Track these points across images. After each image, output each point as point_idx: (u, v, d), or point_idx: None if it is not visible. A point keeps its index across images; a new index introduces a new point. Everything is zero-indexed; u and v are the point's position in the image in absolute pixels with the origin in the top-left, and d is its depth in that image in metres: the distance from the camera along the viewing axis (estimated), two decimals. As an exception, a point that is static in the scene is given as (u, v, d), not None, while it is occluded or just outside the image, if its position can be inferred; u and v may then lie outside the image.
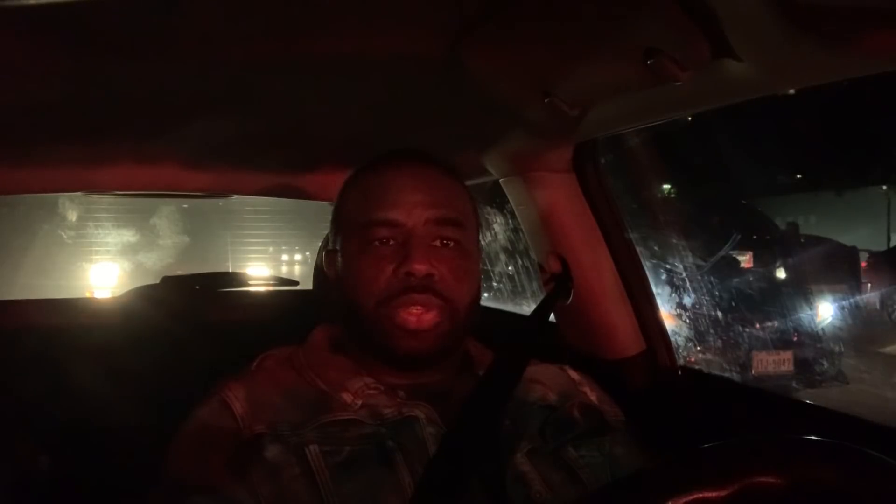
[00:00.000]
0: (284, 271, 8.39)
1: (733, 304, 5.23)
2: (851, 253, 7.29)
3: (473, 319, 1.01)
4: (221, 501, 0.85)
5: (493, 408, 0.95)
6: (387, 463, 0.89)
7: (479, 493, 0.89)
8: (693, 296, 5.10)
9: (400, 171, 1.01)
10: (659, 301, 1.39)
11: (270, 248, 8.66)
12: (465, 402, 0.94)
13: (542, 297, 1.36)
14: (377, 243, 0.97)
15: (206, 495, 0.86)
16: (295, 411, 0.93)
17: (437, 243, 0.97)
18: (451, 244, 0.98)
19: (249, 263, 7.95)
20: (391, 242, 0.96)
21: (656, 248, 5.09)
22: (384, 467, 0.88)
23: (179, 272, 1.86)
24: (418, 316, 0.94)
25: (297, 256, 8.80)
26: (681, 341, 4.70)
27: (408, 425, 0.93)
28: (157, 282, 1.67)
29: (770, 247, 6.51)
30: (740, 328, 5.15)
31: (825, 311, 5.69)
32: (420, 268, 0.94)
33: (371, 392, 0.96)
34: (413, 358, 0.97)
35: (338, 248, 1.04)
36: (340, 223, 1.04)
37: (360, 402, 0.95)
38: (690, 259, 5.34)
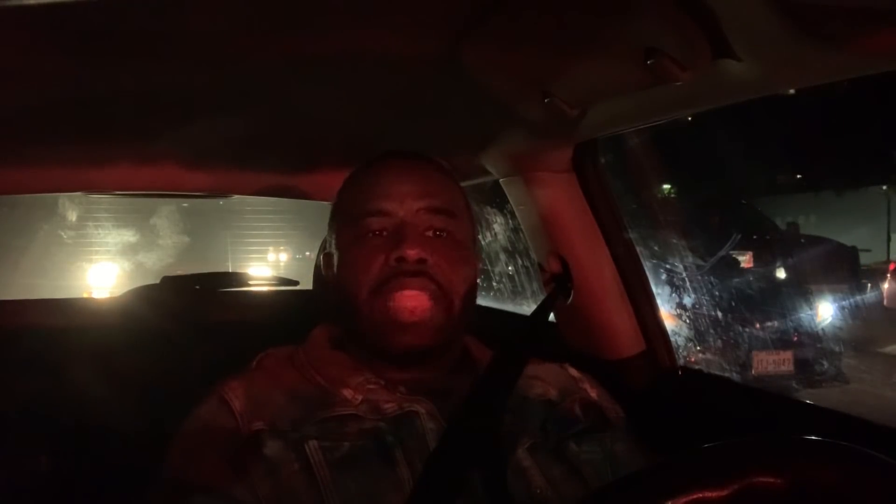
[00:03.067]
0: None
1: (733, 304, 5.23)
2: (851, 253, 7.28)
3: (470, 313, 1.01)
4: (221, 499, 0.85)
5: (494, 403, 0.95)
6: (387, 458, 0.89)
7: (479, 488, 0.89)
8: (693, 296, 5.10)
9: (391, 166, 1.03)
10: (659, 301, 1.39)
11: (270, 248, 8.66)
12: (465, 397, 0.94)
13: (542, 297, 1.36)
14: (370, 235, 0.97)
15: (206, 493, 0.86)
16: (294, 408, 0.93)
17: (430, 233, 0.98)
18: (444, 234, 0.99)
19: (249, 263, 7.95)
20: (384, 233, 0.97)
21: (656, 248, 5.09)
22: (384, 463, 0.88)
23: (179, 272, 1.86)
24: (412, 305, 0.94)
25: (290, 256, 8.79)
26: (681, 341, 4.70)
27: (408, 420, 0.93)
28: (157, 282, 1.67)
29: (770, 247, 6.49)
30: (740, 328, 5.14)
31: (825, 311, 5.68)
32: (412, 252, 0.94)
33: (371, 387, 0.96)
34: (409, 354, 0.97)
35: (333, 245, 1.04)
36: (336, 221, 1.05)
37: (360, 398, 0.95)
38: (690, 259, 5.34)
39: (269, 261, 8.81)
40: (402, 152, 1.05)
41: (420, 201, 0.98)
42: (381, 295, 0.95)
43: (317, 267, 1.34)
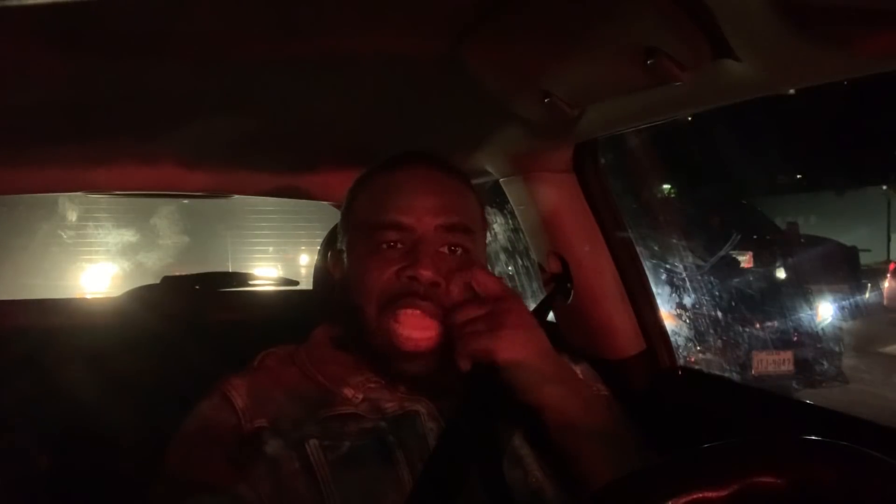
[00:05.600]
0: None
1: (733, 304, 5.23)
2: (851, 253, 7.29)
3: None
4: (222, 495, 0.86)
5: (493, 401, 0.96)
6: (387, 458, 0.89)
7: (479, 486, 0.89)
8: (693, 296, 5.10)
9: (411, 174, 1.01)
10: (659, 301, 1.39)
11: (271, 248, 8.61)
12: (465, 396, 0.94)
13: (542, 297, 1.36)
14: (384, 246, 0.96)
15: (207, 490, 0.87)
16: (296, 407, 0.93)
17: (445, 249, 0.97)
18: (459, 251, 0.98)
19: (249, 264, 7.94)
20: (399, 246, 0.96)
21: (656, 248, 5.09)
22: (384, 462, 0.89)
23: (177, 272, 1.87)
24: (417, 336, 0.93)
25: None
26: (681, 341, 4.70)
27: (409, 420, 0.93)
28: (158, 282, 1.67)
29: (770, 247, 6.49)
30: (740, 328, 5.14)
31: (825, 311, 5.69)
32: (426, 273, 0.93)
33: (372, 386, 0.97)
34: (412, 377, 0.97)
35: (344, 247, 1.03)
36: (349, 223, 1.04)
37: (361, 397, 0.95)
38: (690, 259, 5.34)
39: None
40: (422, 156, 1.03)
41: (439, 217, 0.96)
42: (389, 312, 0.94)
43: (317, 266, 1.34)
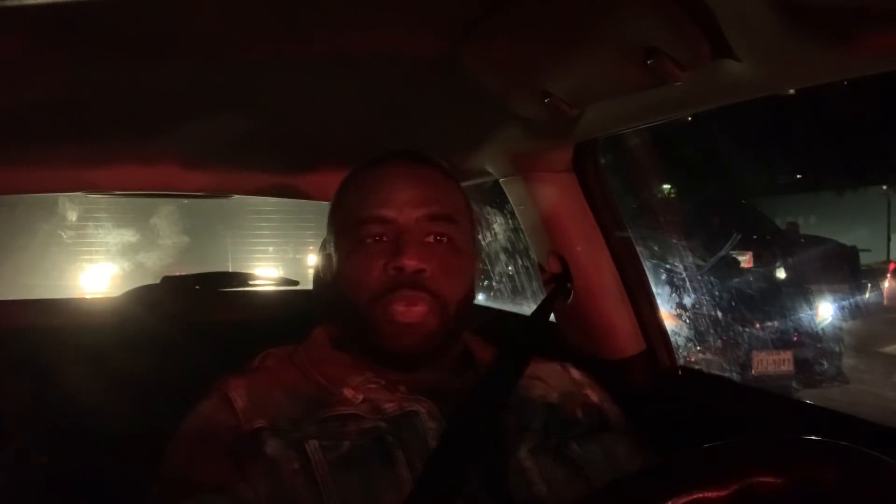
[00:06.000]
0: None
1: (733, 304, 5.22)
2: (851, 253, 7.28)
3: (466, 316, 1.02)
4: (221, 496, 0.86)
5: (495, 403, 0.96)
6: (386, 458, 0.89)
7: (479, 488, 0.89)
8: (693, 296, 5.09)
9: (392, 169, 1.02)
10: (659, 301, 1.39)
11: (271, 248, 8.60)
12: (466, 397, 0.94)
13: (542, 297, 1.36)
14: (369, 240, 0.97)
15: (206, 490, 0.86)
16: (295, 407, 0.94)
17: (430, 239, 0.98)
18: (444, 240, 0.99)
19: (249, 264, 7.93)
20: (383, 239, 0.97)
21: (656, 248, 5.09)
22: (384, 463, 0.88)
23: (177, 272, 1.87)
24: (407, 309, 0.95)
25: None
26: (681, 341, 4.69)
27: (408, 420, 0.93)
28: (157, 282, 1.67)
29: (770, 247, 6.48)
30: (740, 328, 5.14)
31: (825, 311, 5.68)
32: (410, 263, 0.94)
33: (372, 386, 0.97)
34: (403, 355, 0.97)
35: (333, 247, 1.04)
36: (335, 223, 1.05)
37: (360, 397, 0.95)
38: (690, 259, 5.34)
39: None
40: (403, 153, 1.05)
41: (420, 209, 0.97)
42: (379, 303, 0.95)
43: (317, 267, 1.33)
